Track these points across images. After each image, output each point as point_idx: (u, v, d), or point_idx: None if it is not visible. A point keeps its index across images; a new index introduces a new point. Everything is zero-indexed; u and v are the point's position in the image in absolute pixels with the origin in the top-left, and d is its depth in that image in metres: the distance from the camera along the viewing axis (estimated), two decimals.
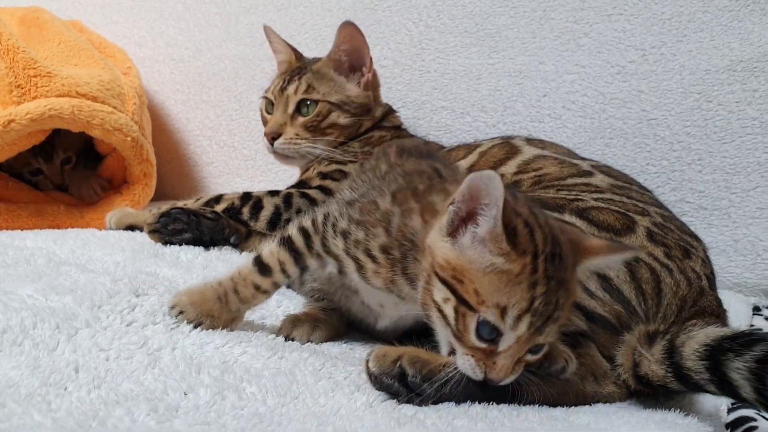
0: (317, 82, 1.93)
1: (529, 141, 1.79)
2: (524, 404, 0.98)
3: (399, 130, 2.04)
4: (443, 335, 0.97)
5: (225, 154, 2.60)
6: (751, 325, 1.63)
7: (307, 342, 1.17)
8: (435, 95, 2.25)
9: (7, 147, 1.88)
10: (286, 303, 1.38)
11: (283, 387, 0.94)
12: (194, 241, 1.68)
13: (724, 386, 0.91)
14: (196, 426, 0.77)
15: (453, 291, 0.91)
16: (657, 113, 1.97)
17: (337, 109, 1.92)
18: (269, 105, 1.99)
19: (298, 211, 1.74)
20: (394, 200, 1.03)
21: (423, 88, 2.27)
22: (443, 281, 0.92)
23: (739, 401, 0.94)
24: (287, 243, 1.10)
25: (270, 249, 1.11)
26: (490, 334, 0.89)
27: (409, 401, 0.95)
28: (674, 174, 1.94)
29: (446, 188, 1.02)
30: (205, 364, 0.97)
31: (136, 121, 2.06)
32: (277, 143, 1.91)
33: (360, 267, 1.04)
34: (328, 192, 1.78)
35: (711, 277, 1.38)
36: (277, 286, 1.12)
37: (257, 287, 1.10)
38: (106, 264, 1.37)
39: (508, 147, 1.76)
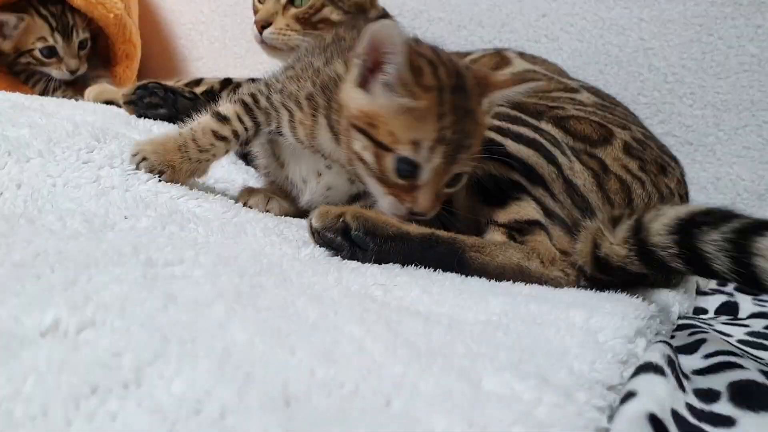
0: None
1: (522, 55, 1.75)
2: (466, 271, 0.97)
3: None
4: (371, 185, 1.01)
5: (215, 50, 2.55)
6: None
7: (265, 211, 1.16)
8: (433, 5, 2.19)
9: None
10: (252, 182, 1.36)
11: (230, 233, 0.93)
12: (169, 118, 1.65)
13: (693, 260, 0.89)
14: (127, 240, 0.75)
15: (369, 137, 0.96)
16: (655, 43, 1.92)
17: (330, 4, 1.87)
18: None
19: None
20: (326, 62, 1.10)
21: None
22: (359, 130, 0.97)
23: (706, 275, 0.92)
24: (240, 101, 1.12)
25: (225, 105, 1.12)
26: (409, 170, 0.95)
27: (352, 256, 0.94)
28: (664, 106, 1.91)
29: None
30: (155, 204, 0.96)
31: None
32: (266, 32, 1.85)
33: (291, 116, 1.08)
34: None
35: (684, 198, 1.36)
36: (235, 135, 1.11)
37: (215, 133, 1.09)
38: (74, 118, 1.34)
39: (499, 58, 1.72)
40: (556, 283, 1.04)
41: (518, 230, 1.09)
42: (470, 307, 0.76)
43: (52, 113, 1.29)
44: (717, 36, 1.86)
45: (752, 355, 0.91)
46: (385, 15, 2.02)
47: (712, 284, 1.49)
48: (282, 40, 1.86)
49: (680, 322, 1.07)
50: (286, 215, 1.19)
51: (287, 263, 0.81)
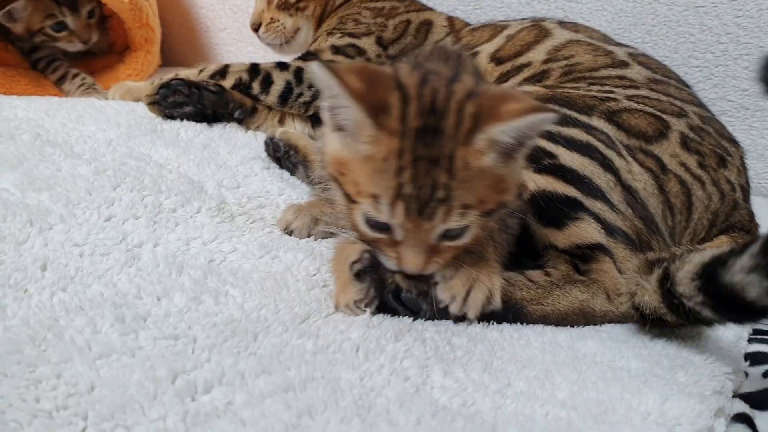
0: None
1: (562, 24, 1.63)
2: (525, 323, 0.92)
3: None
4: None
5: (239, 20, 2.45)
6: None
7: (307, 236, 1.11)
8: None
9: None
10: (288, 191, 1.30)
11: (270, 291, 0.88)
12: (196, 115, 1.58)
13: (722, 301, 0.82)
14: (161, 340, 0.70)
15: (340, 187, 0.84)
16: None
17: None
18: None
19: (310, 87, 1.65)
20: None
21: None
22: (334, 179, 0.85)
23: (740, 313, 0.84)
24: None
25: None
26: (379, 225, 0.81)
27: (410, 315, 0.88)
28: (718, 69, 1.79)
29: None
30: (188, 264, 0.91)
31: None
32: (260, 33, 1.86)
33: None
34: None
35: (746, 188, 1.28)
36: None
37: None
38: (96, 144, 1.28)
39: (537, 30, 1.60)
40: (623, 319, 0.99)
41: (581, 257, 1.02)
42: (536, 395, 0.70)
43: (74, 144, 1.23)
44: None
45: None
46: None
47: None
48: (275, 34, 1.85)
49: (750, 349, 1.00)
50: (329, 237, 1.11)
51: (335, 344, 0.75)
